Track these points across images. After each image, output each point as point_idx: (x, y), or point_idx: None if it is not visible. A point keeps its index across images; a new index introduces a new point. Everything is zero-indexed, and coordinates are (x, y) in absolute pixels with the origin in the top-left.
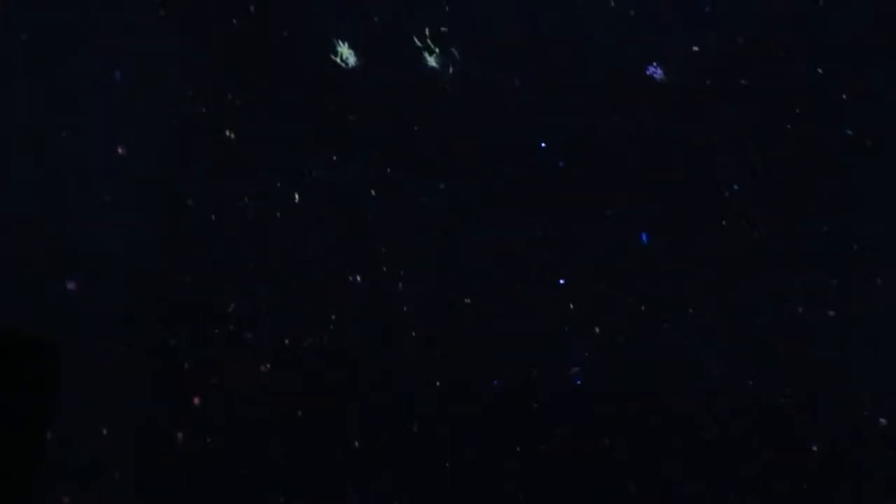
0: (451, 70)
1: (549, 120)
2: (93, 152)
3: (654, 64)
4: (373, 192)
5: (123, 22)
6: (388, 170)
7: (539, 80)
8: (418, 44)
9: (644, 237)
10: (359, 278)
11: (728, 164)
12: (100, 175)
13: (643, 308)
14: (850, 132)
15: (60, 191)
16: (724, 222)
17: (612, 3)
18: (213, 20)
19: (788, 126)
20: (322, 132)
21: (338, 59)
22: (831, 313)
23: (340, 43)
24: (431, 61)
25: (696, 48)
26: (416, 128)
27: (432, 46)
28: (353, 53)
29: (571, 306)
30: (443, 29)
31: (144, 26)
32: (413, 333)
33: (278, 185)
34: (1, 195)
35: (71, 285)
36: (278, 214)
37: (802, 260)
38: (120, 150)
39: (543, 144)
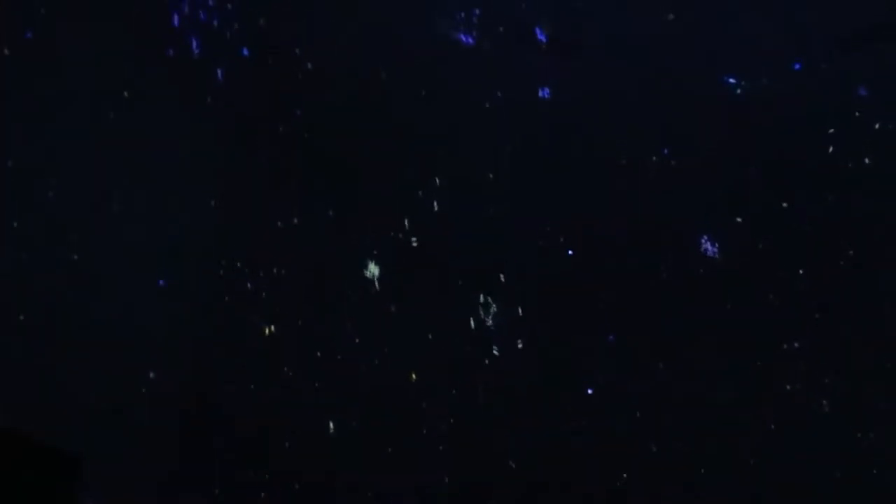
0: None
1: (604, 301)
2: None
3: (705, 238)
4: (414, 377)
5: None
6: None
7: (590, 264)
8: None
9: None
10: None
11: (788, 321)
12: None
13: (702, 471)
14: None
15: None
16: (788, 386)
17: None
18: (258, 224)
19: (847, 270)
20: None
21: (367, 274)
22: None
23: (371, 263)
24: (488, 320)
25: (739, 219)
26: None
27: (490, 302)
28: (378, 269)
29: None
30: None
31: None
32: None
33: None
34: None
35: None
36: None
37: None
38: (151, 375)
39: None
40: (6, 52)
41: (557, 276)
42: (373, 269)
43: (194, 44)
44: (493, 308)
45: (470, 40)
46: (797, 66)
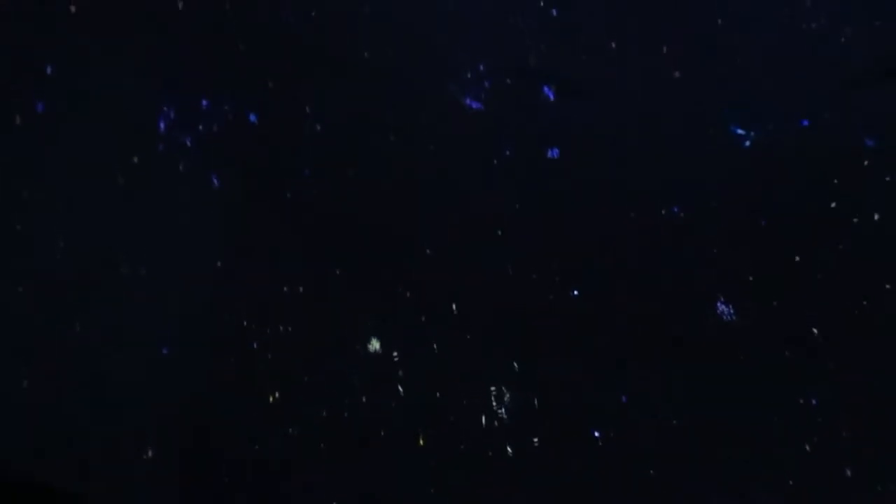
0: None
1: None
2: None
3: (721, 300)
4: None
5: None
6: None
7: (603, 326)
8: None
9: None
10: None
11: (805, 370)
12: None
13: None
14: None
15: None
16: (807, 447)
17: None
18: (263, 289)
19: (861, 324)
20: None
21: (369, 347)
22: None
23: (374, 339)
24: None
25: (749, 277)
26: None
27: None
28: (379, 342)
29: None
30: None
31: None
32: None
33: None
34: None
35: None
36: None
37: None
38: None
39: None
40: (18, 120)
41: (568, 340)
42: (375, 343)
43: (202, 103)
44: (507, 397)
45: (478, 105)
46: (805, 123)
